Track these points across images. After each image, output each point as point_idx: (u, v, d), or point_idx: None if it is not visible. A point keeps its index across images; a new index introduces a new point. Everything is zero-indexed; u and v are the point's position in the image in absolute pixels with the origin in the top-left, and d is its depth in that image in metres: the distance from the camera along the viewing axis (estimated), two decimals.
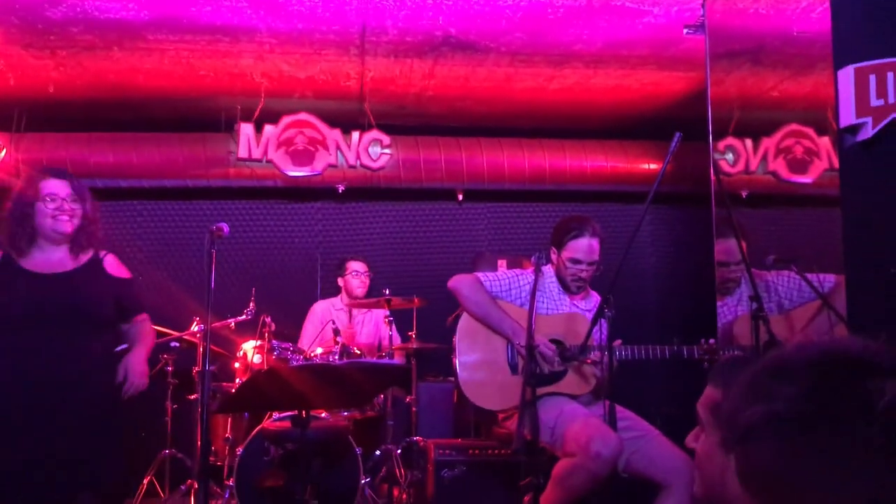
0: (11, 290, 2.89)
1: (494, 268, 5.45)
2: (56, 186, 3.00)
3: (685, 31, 3.92)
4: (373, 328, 5.39)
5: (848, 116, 2.45)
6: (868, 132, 2.41)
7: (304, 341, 5.06)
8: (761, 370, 0.90)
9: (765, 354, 0.92)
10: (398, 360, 4.94)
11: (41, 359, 2.83)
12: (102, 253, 3.10)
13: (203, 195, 5.81)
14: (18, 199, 2.99)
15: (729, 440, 0.92)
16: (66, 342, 2.87)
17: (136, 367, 2.97)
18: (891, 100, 2.43)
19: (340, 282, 5.45)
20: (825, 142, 4.98)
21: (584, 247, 3.55)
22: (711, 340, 3.39)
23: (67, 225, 2.98)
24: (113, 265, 3.10)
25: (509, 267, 5.32)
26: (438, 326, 4.53)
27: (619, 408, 3.20)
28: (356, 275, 5.35)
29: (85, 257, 3.04)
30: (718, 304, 3.59)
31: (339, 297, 5.46)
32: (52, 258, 3.00)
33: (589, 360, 3.44)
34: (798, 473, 0.83)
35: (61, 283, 2.93)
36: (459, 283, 3.67)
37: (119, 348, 3.14)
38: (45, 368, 2.82)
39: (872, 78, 2.44)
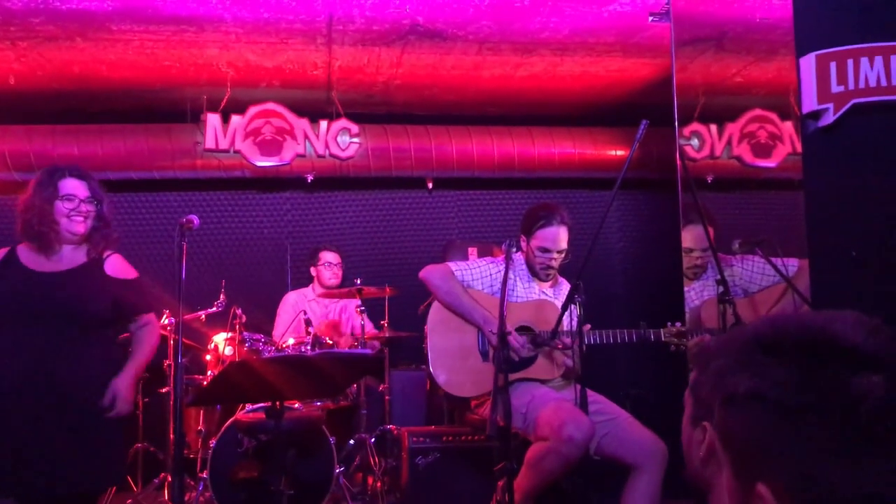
0: (6, 287, 2.86)
1: (465, 256, 5.48)
2: (75, 187, 2.97)
3: (650, 18, 3.95)
4: (345, 318, 5.39)
5: (810, 103, 2.50)
6: (829, 118, 2.46)
7: (278, 331, 5.05)
8: (753, 341, 0.92)
9: (761, 321, 0.93)
10: (370, 349, 4.95)
11: (33, 357, 2.80)
12: (107, 253, 3.07)
13: (170, 187, 5.75)
14: (35, 195, 2.95)
15: (711, 396, 0.94)
16: (60, 341, 2.84)
17: (122, 392, 2.94)
18: (850, 86, 2.48)
19: (313, 271, 5.43)
20: (788, 126, 5.04)
21: (552, 235, 3.59)
22: (678, 323, 3.45)
23: (81, 226, 2.97)
24: (114, 265, 3.06)
25: (480, 255, 5.35)
26: (410, 315, 4.55)
27: (589, 391, 3.24)
28: (328, 266, 5.34)
29: (88, 257, 3.01)
30: (685, 288, 3.65)
31: (311, 286, 5.44)
32: (63, 258, 2.97)
33: (559, 346, 3.48)
34: (770, 449, 0.86)
35: (54, 281, 2.90)
36: (430, 273, 3.70)
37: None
38: (37, 367, 2.79)
39: (833, 65, 2.49)
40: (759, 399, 0.87)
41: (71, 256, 2.99)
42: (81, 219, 2.97)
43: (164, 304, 4.40)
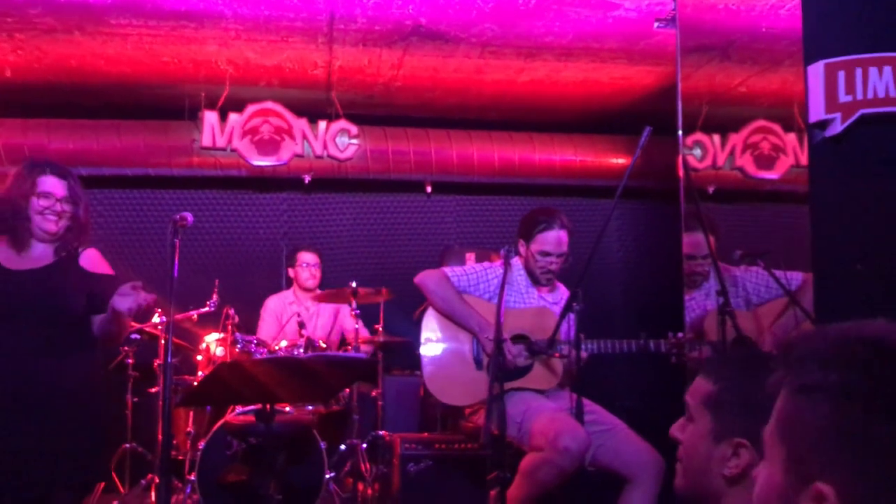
0: None
1: (462, 261, 5.42)
2: (53, 185, 2.90)
3: (656, 24, 3.91)
4: (328, 319, 5.30)
5: (817, 112, 2.46)
6: (837, 128, 2.43)
7: (261, 336, 4.96)
8: (854, 336, 0.88)
9: (866, 323, 0.90)
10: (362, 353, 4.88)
11: (14, 355, 2.74)
12: (83, 248, 3.00)
13: (165, 184, 5.69)
14: (13, 188, 2.89)
15: (784, 379, 0.91)
16: (38, 338, 2.78)
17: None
18: (859, 96, 2.44)
19: (291, 273, 5.34)
20: (791, 138, 5.01)
21: (553, 239, 3.55)
22: (680, 335, 3.39)
23: (53, 225, 2.89)
24: (90, 260, 2.98)
25: (478, 260, 5.29)
26: (406, 320, 4.49)
27: (585, 401, 3.20)
28: (306, 266, 5.22)
29: (57, 255, 2.94)
30: (685, 298, 3.60)
31: (292, 289, 5.36)
32: (33, 254, 2.91)
33: (557, 355, 3.43)
34: (842, 444, 0.83)
35: (32, 279, 2.84)
36: (426, 279, 3.65)
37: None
38: (17, 365, 2.74)
39: (841, 74, 2.45)
40: (847, 394, 0.83)
41: (42, 253, 2.92)
42: (55, 218, 2.88)
43: (155, 303, 4.35)
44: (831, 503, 0.81)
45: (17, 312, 2.78)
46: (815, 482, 0.83)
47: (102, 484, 4.16)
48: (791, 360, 0.91)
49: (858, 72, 2.45)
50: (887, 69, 2.44)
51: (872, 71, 2.45)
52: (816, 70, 2.46)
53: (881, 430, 0.81)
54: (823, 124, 2.46)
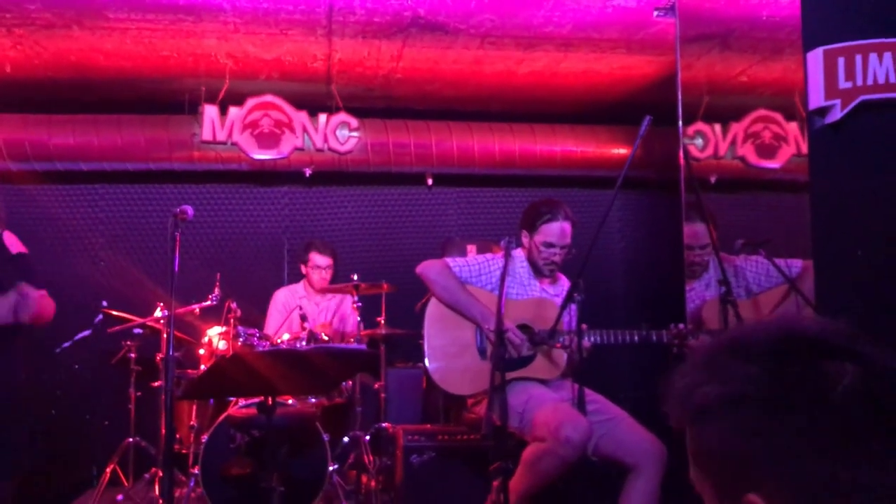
0: None
1: (464, 253, 5.42)
2: None
3: (655, 13, 3.90)
4: (337, 315, 5.31)
5: (817, 98, 2.44)
6: (836, 114, 2.41)
7: (269, 329, 4.98)
8: (719, 348, 0.89)
9: (721, 334, 0.91)
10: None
11: None
12: None
13: (166, 179, 5.70)
14: None
15: (681, 419, 0.90)
16: None
17: None
18: (859, 82, 2.43)
19: (303, 269, 5.35)
20: (793, 127, 4.99)
21: (556, 230, 3.54)
22: (681, 325, 3.39)
23: None
24: (13, 243, 2.99)
25: (479, 252, 5.29)
26: (408, 312, 4.49)
27: (587, 391, 3.20)
28: (317, 269, 5.23)
29: None
30: (686, 288, 3.60)
31: (302, 283, 5.36)
32: None
33: (558, 345, 3.43)
34: (751, 454, 0.82)
35: None
36: (428, 268, 3.65)
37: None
38: None
39: (841, 60, 2.44)
40: (733, 402, 0.83)
41: None
42: None
43: (156, 297, 4.36)
44: None
45: None
46: (746, 496, 0.82)
47: (107, 475, 4.19)
48: (675, 397, 0.90)
49: (858, 58, 2.44)
50: (887, 55, 2.42)
51: (872, 57, 2.43)
52: (815, 57, 2.45)
53: (776, 426, 0.81)
54: (823, 111, 2.44)
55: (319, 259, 5.22)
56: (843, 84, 2.43)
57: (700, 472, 0.89)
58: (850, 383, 0.79)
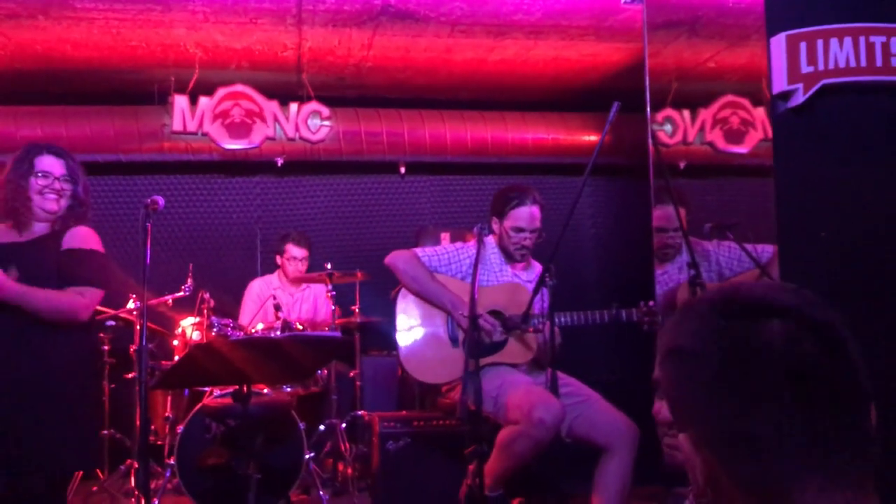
0: None
1: (438, 242, 5.44)
2: (51, 164, 2.91)
3: (623, 0, 3.94)
4: (311, 304, 5.31)
5: (780, 83, 2.49)
6: (799, 98, 2.46)
7: (243, 319, 4.97)
8: (685, 306, 0.99)
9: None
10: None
11: None
12: (74, 226, 2.96)
13: (137, 170, 5.65)
14: (12, 171, 2.89)
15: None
16: (14, 320, 2.76)
17: None
18: (821, 66, 2.48)
19: (279, 260, 5.33)
20: (760, 112, 5.06)
21: (525, 215, 3.57)
22: (651, 303, 3.44)
23: (54, 204, 2.89)
24: (74, 237, 2.93)
25: (452, 240, 5.31)
26: (382, 300, 4.50)
27: (560, 374, 3.23)
28: (293, 260, 5.22)
29: (51, 230, 2.91)
30: (658, 271, 3.65)
31: (277, 273, 5.35)
32: (32, 234, 2.89)
33: (531, 330, 3.46)
34: (681, 400, 0.94)
35: (8, 252, 2.81)
36: (396, 258, 3.65)
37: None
38: None
39: (803, 45, 2.49)
40: (672, 353, 0.94)
41: (39, 232, 2.92)
42: (55, 196, 2.89)
43: (128, 288, 4.33)
44: (686, 447, 0.93)
45: None
46: (679, 435, 0.94)
47: (80, 473, 4.16)
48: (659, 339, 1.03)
49: (820, 43, 2.48)
50: (848, 39, 2.47)
51: (833, 42, 2.48)
52: (779, 42, 2.49)
53: (696, 375, 0.90)
54: (786, 95, 2.49)
55: (296, 251, 5.20)
56: (806, 68, 2.48)
57: (669, 405, 1.00)
58: (773, 339, 0.86)
